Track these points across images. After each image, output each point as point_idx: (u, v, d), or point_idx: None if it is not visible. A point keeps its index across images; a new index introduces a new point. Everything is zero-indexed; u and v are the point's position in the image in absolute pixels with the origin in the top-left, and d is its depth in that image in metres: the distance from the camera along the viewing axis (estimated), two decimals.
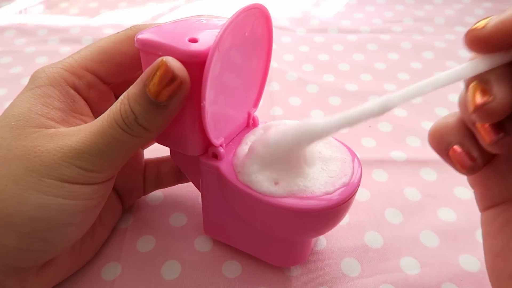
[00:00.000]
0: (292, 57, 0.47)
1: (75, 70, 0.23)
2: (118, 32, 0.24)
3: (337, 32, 0.51)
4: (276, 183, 0.21)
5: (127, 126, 0.19)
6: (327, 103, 0.40)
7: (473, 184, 0.20)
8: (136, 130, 0.19)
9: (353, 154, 0.24)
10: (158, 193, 0.31)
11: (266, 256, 0.26)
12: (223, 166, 0.23)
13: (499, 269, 0.18)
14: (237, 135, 0.25)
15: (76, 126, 0.21)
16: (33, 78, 0.22)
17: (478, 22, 0.16)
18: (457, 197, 0.31)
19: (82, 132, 0.20)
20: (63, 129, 0.20)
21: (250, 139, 0.24)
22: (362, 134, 0.36)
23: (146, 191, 0.29)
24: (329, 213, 0.21)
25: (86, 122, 0.22)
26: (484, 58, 0.16)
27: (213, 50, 0.19)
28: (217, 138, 0.23)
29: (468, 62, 0.16)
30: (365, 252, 0.27)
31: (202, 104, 0.20)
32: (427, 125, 0.37)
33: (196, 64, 0.19)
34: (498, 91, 0.15)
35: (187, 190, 0.31)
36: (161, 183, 0.29)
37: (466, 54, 0.47)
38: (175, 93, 0.19)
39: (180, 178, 0.29)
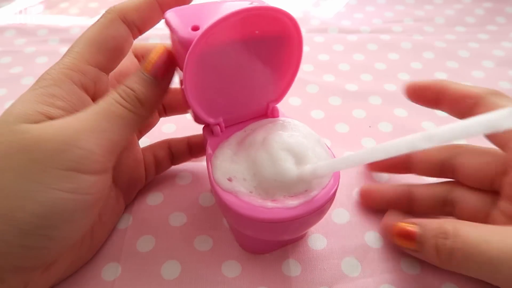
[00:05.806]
0: None
1: (78, 67, 0.22)
2: (98, 20, 0.23)
3: (337, 32, 0.51)
4: (229, 180, 0.23)
5: (125, 101, 0.22)
6: (327, 103, 0.40)
7: None
8: (133, 104, 0.22)
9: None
10: (158, 193, 0.31)
11: None
12: (212, 143, 0.25)
13: None
14: (247, 120, 0.27)
15: None
16: (37, 81, 0.22)
17: None
18: None
19: (81, 114, 0.21)
20: (61, 120, 0.20)
21: (251, 128, 0.26)
22: (362, 134, 0.36)
23: (147, 179, 0.30)
24: (307, 218, 0.22)
25: None
26: None
27: (195, 44, 0.20)
28: (214, 117, 0.25)
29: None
30: (365, 252, 0.27)
31: (182, 87, 0.22)
32: (427, 125, 0.37)
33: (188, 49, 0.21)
34: None
35: (187, 190, 0.31)
36: (159, 168, 0.31)
37: (465, 54, 0.47)
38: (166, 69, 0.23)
39: (174, 160, 0.31)
